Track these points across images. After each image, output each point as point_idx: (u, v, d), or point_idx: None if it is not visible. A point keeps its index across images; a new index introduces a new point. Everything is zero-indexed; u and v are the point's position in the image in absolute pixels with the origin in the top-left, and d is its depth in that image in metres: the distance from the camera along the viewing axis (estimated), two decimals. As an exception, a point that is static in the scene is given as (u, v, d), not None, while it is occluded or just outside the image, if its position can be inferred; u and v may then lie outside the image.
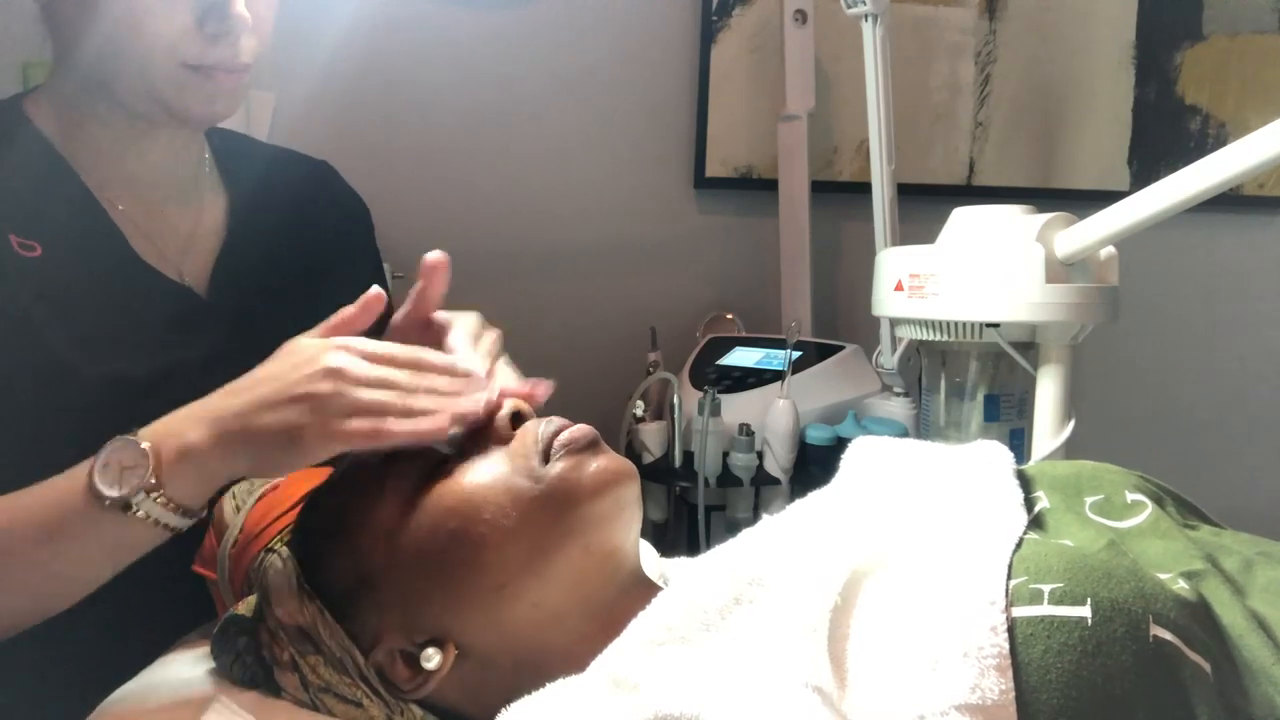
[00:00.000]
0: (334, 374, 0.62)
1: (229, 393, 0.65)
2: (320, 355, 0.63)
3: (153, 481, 0.62)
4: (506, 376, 0.72)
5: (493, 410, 0.66)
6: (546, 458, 0.64)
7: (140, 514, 0.62)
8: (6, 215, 0.79)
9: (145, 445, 0.63)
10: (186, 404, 0.80)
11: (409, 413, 0.62)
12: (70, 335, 0.79)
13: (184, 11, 0.77)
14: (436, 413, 0.62)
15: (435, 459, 0.65)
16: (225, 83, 0.82)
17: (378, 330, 0.87)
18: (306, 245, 0.98)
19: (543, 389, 0.71)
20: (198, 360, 0.84)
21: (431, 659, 0.60)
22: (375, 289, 0.70)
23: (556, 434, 0.64)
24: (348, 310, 0.69)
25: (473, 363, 0.70)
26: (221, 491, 0.74)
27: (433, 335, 0.75)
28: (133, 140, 0.86)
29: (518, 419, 0.67)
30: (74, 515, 0.63)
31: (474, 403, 0.64)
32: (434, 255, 0.76)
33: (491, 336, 0.76)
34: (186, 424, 0.64)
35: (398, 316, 0.78)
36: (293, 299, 0.93)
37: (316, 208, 1.02)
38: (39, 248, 0.80)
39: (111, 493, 0.62)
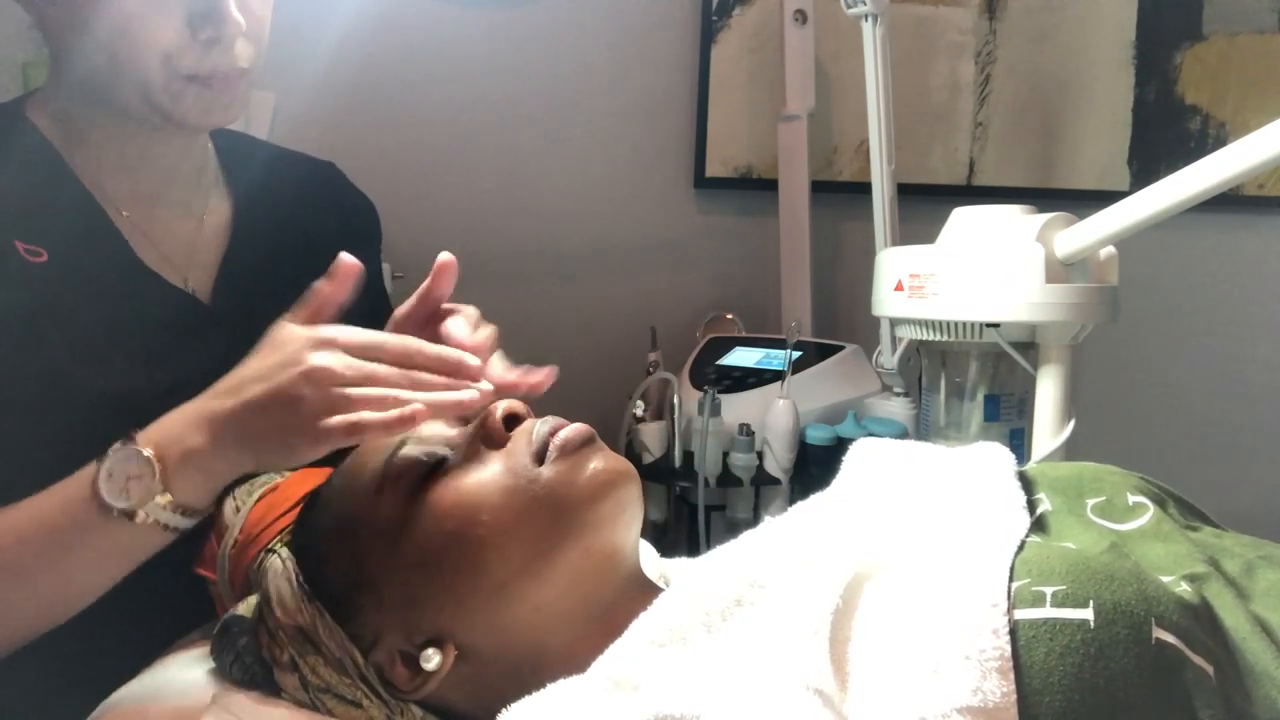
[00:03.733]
0: (317, 374, 0.61)
1: (221, 393, 0.65)
2: (304, 353, 0.62)
3: (159, 488, 0.63)
4: (498, 369, 0.71)
5: (485, 402, 0.65)
6: (542, 459, 0.64)
7: (148, 520, 0.63)
8: (12, 222, 0.78)
9: (148, 453, 0.63)
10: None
11: (389, 406, 0.61)
12: (74, 344, 0.78)
13: (177, 18, 0.75)
14: (417, 405, 0.61)
15: (435, 459, 0.64)
16: (224, 89, 0.81)
17: (374, 319, 0.88)
18: (312, 247, 0.97)
19: (540, 376, 0.70)
20: (202, 367, 0.83)
21: (431, 660, 0.60)
22: (346, 258, 0.69)
23: (552, 434, 0.64)
24: (323, 286, 0.68)
25: (466, 345, 0.70)
26: (228, 490, 0.73)
27: (433, 332, 0.75)
28: (134, 145, 0.85)
29: (513, 421, 0.67)
30: (79, 526, 0.64)
31: (461, 395, 0.64)
32: (445, 256, 0.75)
33: (488, 330, 0.76)
34: (185, 427, 0.64)
35: (401, 311, 0.78)
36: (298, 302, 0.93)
37: (322, 209, 1.01)
38: (45, 254, 0.79)
39: (119, 504, 0.63)
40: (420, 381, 0.64)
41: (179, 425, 0.64)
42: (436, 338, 0.73)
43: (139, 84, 0.78)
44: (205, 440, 0.63)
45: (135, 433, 0.65)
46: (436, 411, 0.62)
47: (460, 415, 0.66)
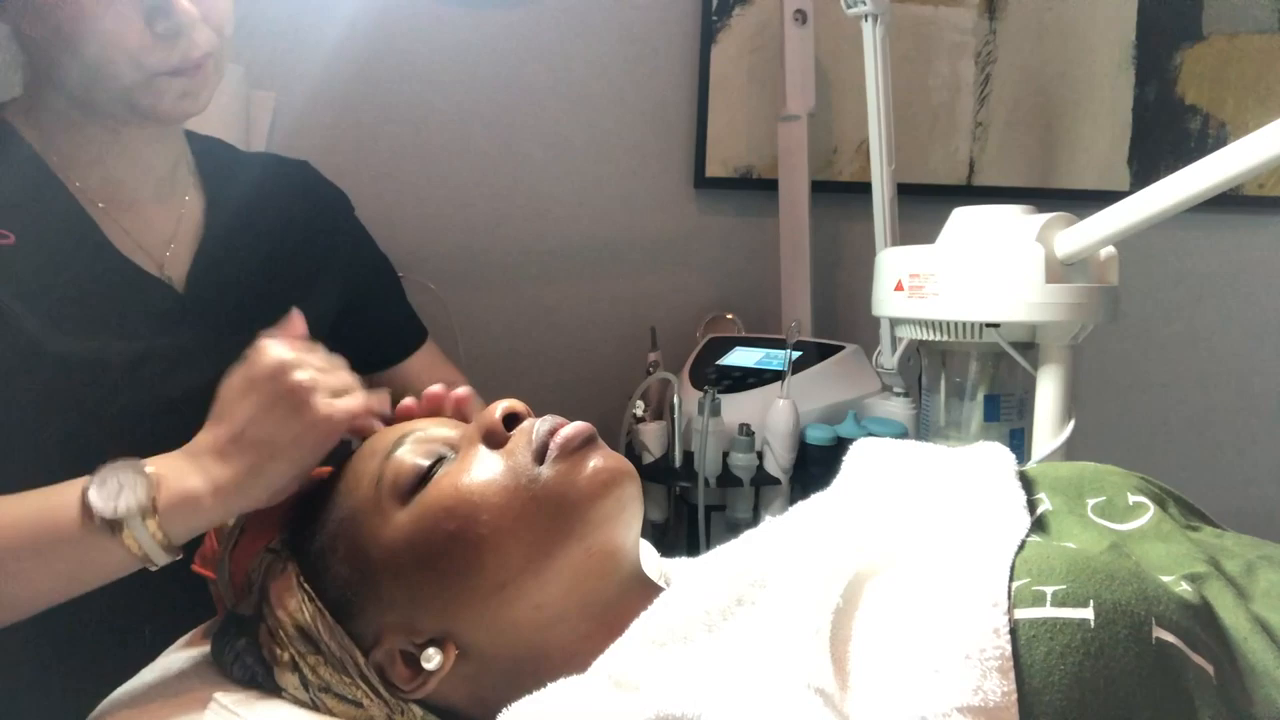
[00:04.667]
0: (320, 424, 0.65)
1: (219, 453, 0.66)
2: (299, 411, 0.65)
3: (150, 506, 0.63)
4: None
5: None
6: (542, 458, 0.64)
7: (129, 539, 0.63)
8: None
9: (150, 469, 0.64)
10: (160, 392, 0.83)
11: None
12: (43, 321, 0.80)
13: (135, 19, 0.78)
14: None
15: (434, 459, 0.65)
16: (196, 80, 0.84)
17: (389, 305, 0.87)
18: (286, 244, 1.00)
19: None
20: (173, 351, 0.86)
21: (432, 659, 0.60)
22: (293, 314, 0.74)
23: (552, 433, 0.64)
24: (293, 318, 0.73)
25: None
26: None
27: None
28: (112, 143, 0.88)
29: (513, 420, 0.67)
30: (55, 529, 0.64)
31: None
32: (435, 388, 0.78)
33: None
34: (185, 471, 0.66)
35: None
36: (273, 296, 0.93)
37: (294, 207, 1.04)
38: (11, 237, 0.81)
39: (106, 512, 0.63)
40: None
41: (180, 466, 0.66)
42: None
43: (118, 87, 0.81)
44: (205, 492, 0.65)
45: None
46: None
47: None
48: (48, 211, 0.84)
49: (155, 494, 0.64)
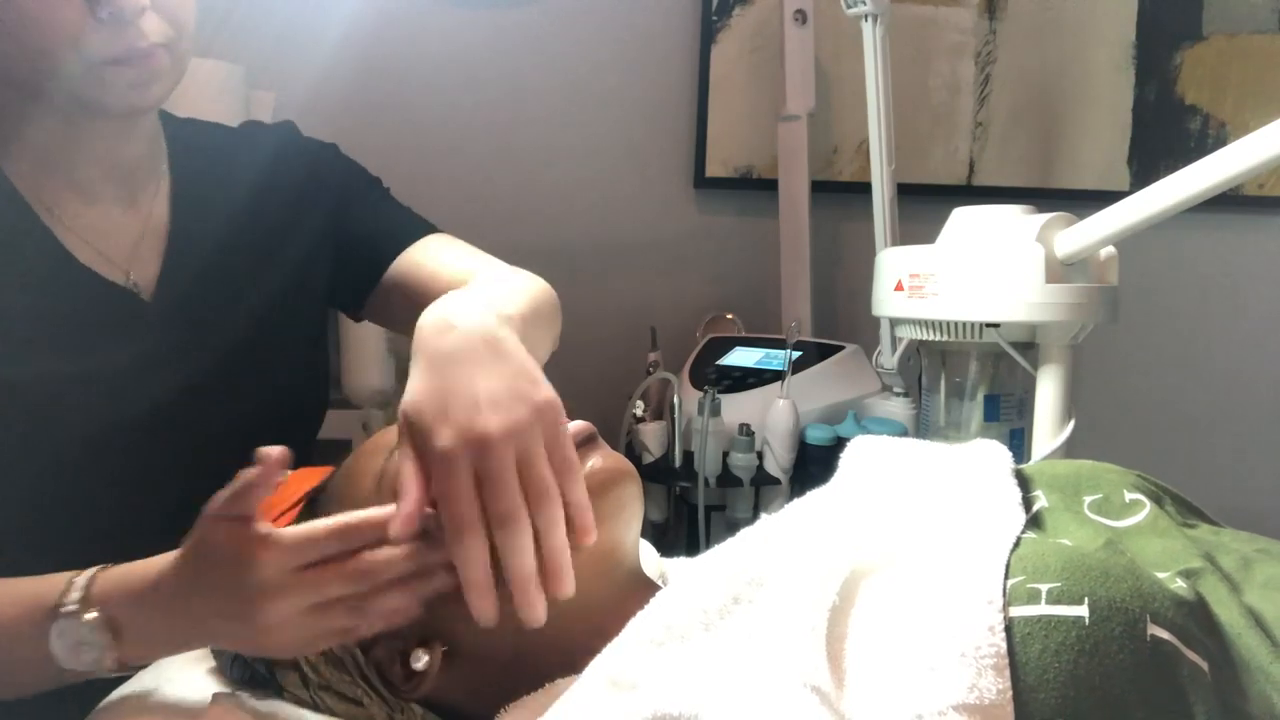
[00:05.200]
0: (267, 610, 0.56)
1: (175, 607, 0.60)
2: (246, 584, 0.57)
3: (111, 661, 0.62)
4: None
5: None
6: None
7: (98, 671, 0.63)
8: None
9: (95, 623, 0.61)
10: (122, 404, 0.79)
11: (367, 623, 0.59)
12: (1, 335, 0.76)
13: (76, 3, 0.72)
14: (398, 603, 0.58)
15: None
16: (142, 68, 0.77)
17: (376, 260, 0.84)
18: (266, 218, 0.93)
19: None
20: (136, 361, 0.82)
21: (420, 659, 0.60)
22: (269, 451, 0.57)
23: None
24: (249, 477, 0.57)
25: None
26: None
27: None
28: (71, 138, 0.82)
29: None
30: (31, 641, 0.62)
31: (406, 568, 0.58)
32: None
33: None
34: (148, 610, 0.61)
35: None
36: (250, 281, 0.90)
37: (272, 172, 0.95)
38: None
39: (69, 666, 0.61)
40: (368, 573, 0.58)
41: (131, 589, 0.61)
42: None
43: (58, 76, 0.75)
44: (170, 645, 0.63)
45: (94, 582, 0.62)
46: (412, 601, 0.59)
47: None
48: (1, 222, 0.79)
49: (113, 641, 0.61)
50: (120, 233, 0.85)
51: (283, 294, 0.92)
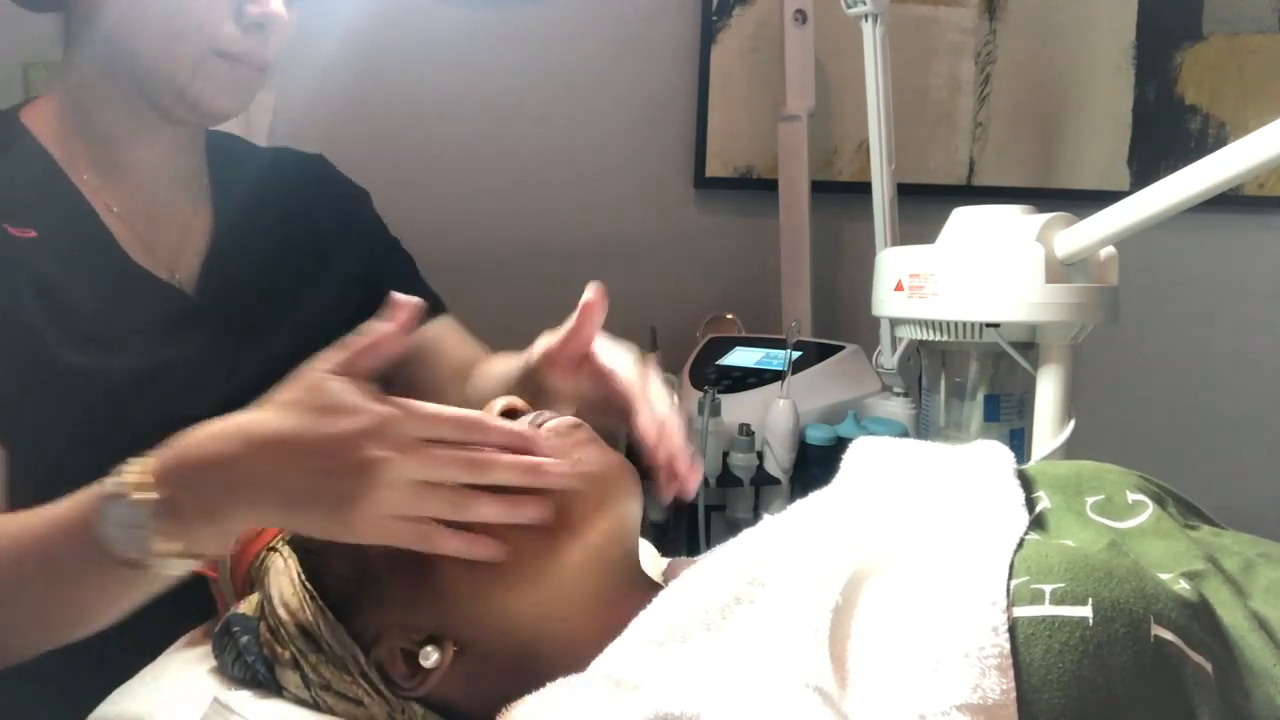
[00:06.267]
0: (377, 469, 0.53)
1: (252, 473, 0.55)
2: (360, 441, 0.54)
3: (171, 543, 0.55)
4: (672, 438, 0.67)
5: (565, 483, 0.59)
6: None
7: (154, 568, 0.56)
8: (2, 208, 0.79)
9: (145, 500, 0.55)
10: (171, 402, 0.79)
11: (456, 506, 0.57)
12: (59, 326, 0.78)
13: (226, 3, 0.79)
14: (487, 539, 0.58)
15: None
16: (245, 75, 0.83)
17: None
18: (301, 242, 0.98)
19: (693, 479, 0.66)
20: (185, 360, 0.84)
21: (430, 657, 0.60)
22: (402, 297, 0.58)
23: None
24: (379, 330, 0.58)
25: (633, 392, 0.69)
26: None
27: (587, 373, 0.73)
28: (134, 139, 0.87)
29: (512, 416, 0.67)
30: (77, 557, 0.57)
31: (534, 510, 0.58)
32: (591, 295, 0.71)
33: (658, 383, 0.71)
34: (213, 485, 0.55)
35: (551, 348, 0.74)
36: (288, 296, 0.94)
37: (309, 203, 1.01)
38: (35, 232, 0.80)
39: (121, 553, 0.55)
40: (486, 464, 0.57)
41: (204, 478, 0.55)
42: (591, 378, 0.72)
43: (167, 55, 0.80)
44: (237, 507, 0.56)
45: (142, 464, 0.56)
46: (507, 514, 0.58)
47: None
48: (60, 214, 0.83)
49: (166, 520, 0.55)
50: (166, 234, 0.90)
51: (314, 314, 0.94)
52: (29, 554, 0.60)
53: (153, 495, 0.55)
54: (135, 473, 0.56)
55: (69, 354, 0.78)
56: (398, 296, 0.58)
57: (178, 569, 0.57)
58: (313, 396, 0.55)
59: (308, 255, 0.98)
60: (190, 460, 0.56)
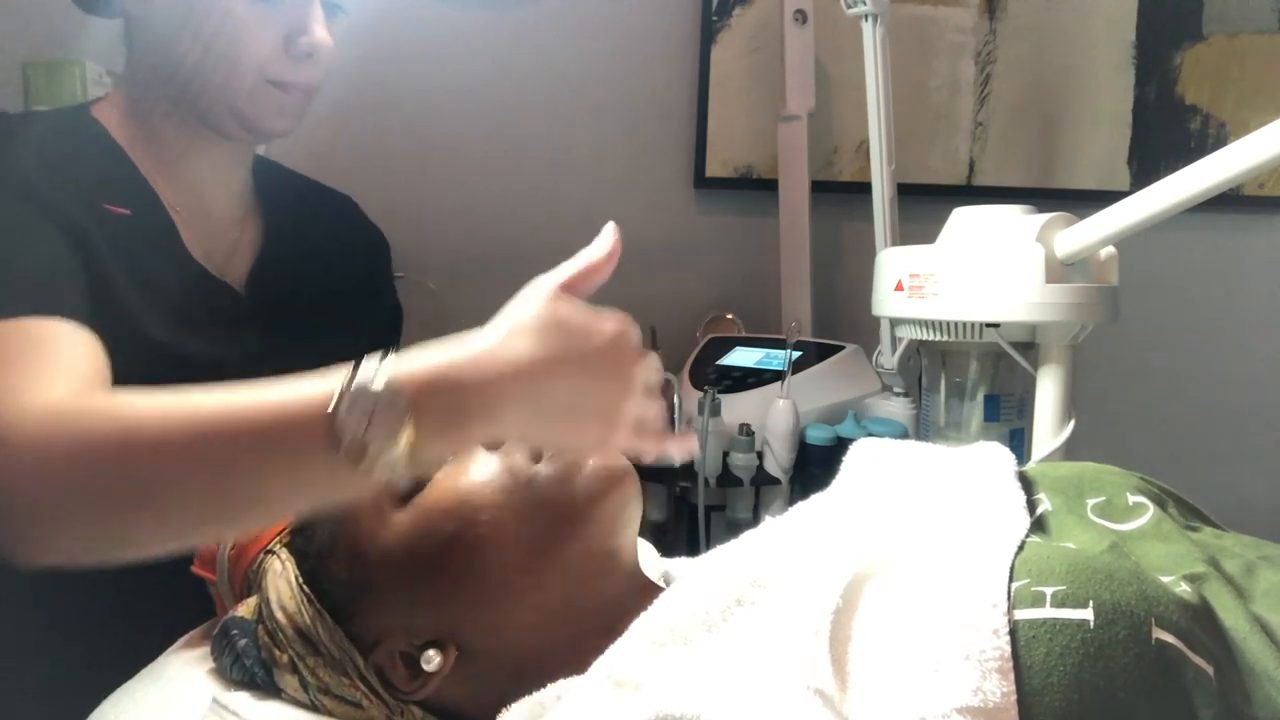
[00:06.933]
0: (633, 376, 0.60)
1: (506, 395, 0.55)
2: (612, 353, 0.59)
3: (405, 444, 0.53)
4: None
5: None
6: (539, 457, 0.64)
7: (374, 463, 0.53)
8: (97, 189, 0.84)
9: (402, 395, 0.53)
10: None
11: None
12: (145, 303, 0.83)
13: (276, 32, 0.85)
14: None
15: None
16: (297, 100, 0.90)
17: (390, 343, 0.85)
18: (331, 273, 1.04)
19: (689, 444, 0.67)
20: (240, 355, 0.89)
21: (432, 660, 0.60)
22: (609, 226, 0.65)
23: None
24: (593, 257, 0.63)
25: None
26: None
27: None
28: (191, 152, 0.92)
29: None
30: (289, 439, 0.53)
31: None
32: (614, 234, 0.67)
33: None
34: (467, 402, 0.54)
35: (562, 282, 0.70)
36: (319, 314, 0.99)
37: (341, 241, 1.08)
38: (128, 210, 0.85)
39: (358, 442, 0.52)
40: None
41: (449, 382, 0.54)
42: None
43: (227, 88, 0.86)
44: (490, 420, 0.55)
45: (393, 365, 0.54)
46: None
47: None
48: (139, 202, 0.88)
49: (414, 418, 0.53)
50: (218, 241, 0.95)
51: (332, 341, 0.96)
52: (240, 434, 0.54)
53: (402, 394, 0.53)
54: (385, 371, 0.53)
55: (154, 329, 0.83)
56: (610, 225, 0.64)
57: (396, 471, 0.53)
58: (558, 320, 0.58)
59: (335, 288, 1.03)
60: (444, 378, 0.54)
